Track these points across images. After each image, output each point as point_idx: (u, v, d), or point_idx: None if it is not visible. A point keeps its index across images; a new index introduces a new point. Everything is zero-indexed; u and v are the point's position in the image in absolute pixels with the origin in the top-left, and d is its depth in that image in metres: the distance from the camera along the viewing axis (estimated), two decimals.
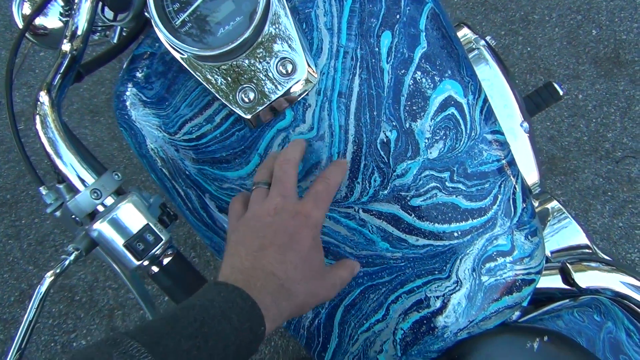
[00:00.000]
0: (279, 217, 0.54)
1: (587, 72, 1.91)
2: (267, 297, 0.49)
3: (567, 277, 0.86)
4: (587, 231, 1.04)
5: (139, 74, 0.66)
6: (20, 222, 1.88)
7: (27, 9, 0.77)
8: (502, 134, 0.65)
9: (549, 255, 1.01)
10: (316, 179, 0.58)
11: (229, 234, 0.58)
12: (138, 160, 0.69)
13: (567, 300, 0.81)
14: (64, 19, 0.75)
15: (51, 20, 0.75)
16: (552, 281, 0.87)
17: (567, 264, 0.87)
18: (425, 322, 0.65)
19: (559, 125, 1.85)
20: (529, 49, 1.97)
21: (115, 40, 0.77)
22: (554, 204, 1.09)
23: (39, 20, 0.74)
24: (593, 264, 0.90)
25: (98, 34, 0.80)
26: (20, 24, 0.75)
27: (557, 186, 1.76)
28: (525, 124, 0.84)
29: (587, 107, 1.86)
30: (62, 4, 0.75)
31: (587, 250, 1.04)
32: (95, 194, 0.56)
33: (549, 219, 1.07)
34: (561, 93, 1.09)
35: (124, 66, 0.68)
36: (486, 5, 2.04)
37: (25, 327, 0.53)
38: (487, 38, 1.00)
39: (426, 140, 0.62)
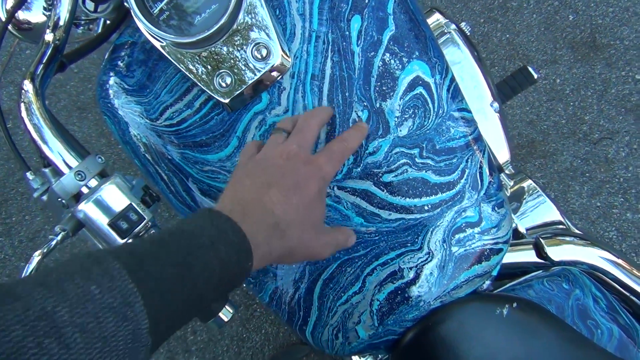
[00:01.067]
0: (290, 162, 0.54)
1: (564, 57, 1.95)
2: (260, 233, 0.48)
3: (540, 251, 0.89)
4: (561, 208, 1.08)
5: (120, 63, 0.68)
6: (10, 219, 1.89)
7: (10, 3, 0.78)
8: (469, 111, 0.68)
9: (524, 232, 1.04)
10: (335, 138, 0.60)
11: (236, 170, 0.59)
12: (127, 155, 0.71)
13: (539, 272, 0.84)
14: (47, 13, 0.77)
15: (35, 14, 0.77)
16: (526, 256, 0.91)
17: (541, 239, 0.90)
18: (399, 292, 0.68)
19: (538, 110, 1.89)
20: (507, 35, 2.00)
21: None
22: (529, 183, 1.13)
23: (23, 15, 0.76)
24: (566, 238, 0.93)
25: (82, 27, 0.82)
26: (4, 17, 0.76)
27: (536, 169, 1.80)
28: (496, 104, 0.87)
29: (565, 91, 1.90)
30: None
31: (560, 226, 1.08)
32: (80, 176, 0.58)
33: (524, 197, 1.11)
34: (535, 77, 1.13)
35: (106, 56, 0.70)
36: None
37: None
38: (462, 24, 1.03)
39: (396, 119, 0.65)
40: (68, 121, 2.01)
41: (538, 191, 1.10)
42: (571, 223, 1.08)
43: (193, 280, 0.42)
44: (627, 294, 0.87)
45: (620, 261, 0.89)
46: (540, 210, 1.08)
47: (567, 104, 1.88)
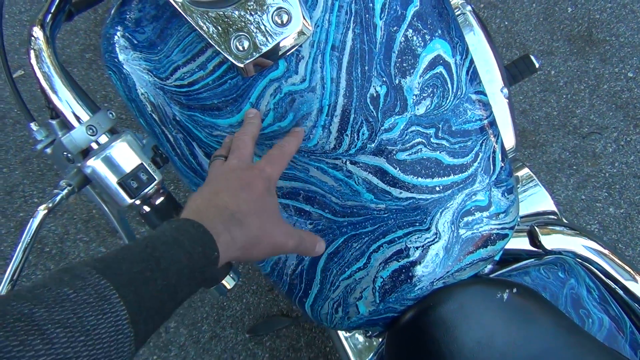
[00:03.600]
0: (233, 172, 0.57)
1: (560, 49, 1.96)
2: (219, 225, 0.50)
3: (534, 240, 0.90)
4: (554, 198, 1.09)
5: (130, 17, 0.65)
6: None
7: None
8: (486, 95, 0.68)
9: (518, 219, 1.06)
10: (273, 146, 0.62)
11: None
12: (132, 113, 0.69)
13: (534, 259, 0.85)
14: None
15: None
16: (520, 243, 0.92)
17: (535, 227, 0.91)
18: (404, 271, 0.68)
19: (531, 100, 1.90)
20: (506, 22, 2.00)
21: None
22: (525, 172, 1.14)
23: None
24: (558, 228, 0.94)
25: None
26: None
27: (525, 158, 1.81)
28: (505, 90, 0.87)
29: (559, 83, 1.92)
30: None
31: (553, 216, 1.09)
32: (91, 131, 0.56)
33: (519, 185, 1.12)
34: (537, 65, 1.13)
35: (114, 8, 0.67)
36: None
37: (17, 260, 0.54)
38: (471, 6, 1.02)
39: (414, 97, 0.64)
40: None
41: (533, 179, 1.11)
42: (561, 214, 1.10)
43: (163, 273, 0.43)
44: (613, 284, 0.89)
45: (608, 253, 0.90)
46: (534, 199, 1.09)
47: (560, 96, 1.90)
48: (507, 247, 0.91)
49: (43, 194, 1.80)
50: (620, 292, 0.88)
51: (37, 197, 1.80)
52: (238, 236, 0.52)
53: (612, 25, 1.98)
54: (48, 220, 1.75)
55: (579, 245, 0.91)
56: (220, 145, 0.66)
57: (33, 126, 0.60)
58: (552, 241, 0.90)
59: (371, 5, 0.63)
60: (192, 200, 0.55)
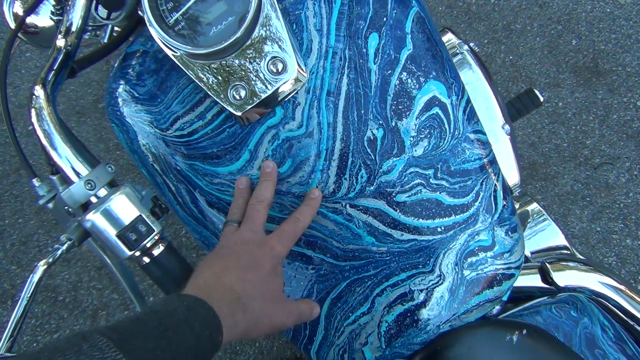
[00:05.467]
0: (245, 246, 0.59)
1: (567, 81, 1.96)
2: (224, 309, 0.51)
3: (546, 276, 0.88)
4: (565, 233, 1.07)
5: (131, 71, 0.67)
6: (3, 222, 1.86)
7: (18, 8, 0.77)
8: (484, 133, 0.67)
9: (529, 255, 1.04)
10: (288, 217, 0.64)
11: (198, 265, 0.62)
12: (124, 161, 0.70)
13: (546, 298, 0.83)
14: (55, 18, 0.76)
15: (42, 19, 0.76)
16: (531, 280, 0.90)
17: (546, 264, 0.89)
18: (409, 314, 0.67)
19: (540, 132, 1.89)
20: (511, 57, 2.01)
21: (105, 40, 0.78)
22: (534, 207, 1.12)
23: (30, 19, 0.75)
24: (571, 264, 0.92)
25: (89, 33, 0.81)
26: (12, 23, 0.75)
27: (537, 191, 1.79)
28: (507, 127, 0.87)
29: (567, 115, 1.91)
30: (53, 2, 0.75)
31: (565, 251, 1.07)
32: (89, 185, 0.57)
33: (529, 220, 1.10)
34: (541, 99, 1.12)
35: (116, 64, 0.69)
36: (470, 14, 2.08)
37: (17, 316, 0.54)
38: (471, 44, 1.03)
39: (411, 139, 0.64)
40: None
41: (543, 214, 1.09)
42: (575, 249, 1.08)
43: (172, 354, 0.45)
44: (630, 322, 0.86)
45: (624, 288, 0.88)
46: (545, 234, 1.07)
47: (569, 128, 1.89)
48: (518, 284, 0.89)
49: (57, 239, 1.82)
50: (639, 328, 0.85)
51: (51, 245, 1.81)
52: (240, 321, 0.53)
53: (618, 56, 1.98)
54: (61, 269, 1.77)
55: (593, 281, 0.88)
56: (221, 192, 0.66)
57: (35, 182, 0.61)
58: (565, 277, 0.88)
59: (365, 50, 0.64)
60: (203, 271, 0.56)
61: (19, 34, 0.75)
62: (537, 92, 1.12)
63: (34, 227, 1.85)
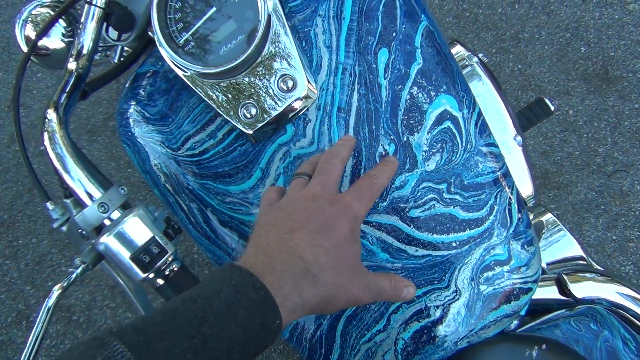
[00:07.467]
0: (315, 203, 0.50)
1: (577, 88, 1.95)
2: (288, 283, 0.44)
3: (563, 288, 0.87)
4: (581, 243, 1.06)
5: (142, 92, 0.68)
6: (17, 242, 1.88)
7: (29, 31, 0.78)
8: (497, 146, 0.67)
9: (545, 266, 1.02)
10: (364, 175, 0.56)
11: (258, 218, 0.54)
12: (135, 179, 0.70)
13: (564, 310, 0.82)
14: (67, 40, 0.77)
15: (54, 41, 0.76)
16: (548, 292, 0.88)
17: (563, 275, 0.88)
18: (425, 331, 0.66)
19: (551, 141, 1.88)
20: (519, 66, 2.00)
21: (115, 60, 0.79)
22: (548, 217, 1.11)
23: (41, 42, 0.76)
24: (588, 275, 0.91)
25: (99, 54, 0.82)
26: (24, 46, 0.76)
27: (550, 200, 1.78)
28: (519, 138, 0.86)
29: (578, 123, 1.90)
30: (64, 25, 0.76)
31: (582, 262, 1.05)
32: (103, 208, 0.57)
33: (543, 231, 1.09)
34: (552, 108, 1.12)
35: (127, 84, 0.70)
36: (477, 24, 2.08)
37: (33, 341, 0.54)
38: (480, 55, 1.02)
39: (423, 153, 0.64)
40: (78, 145, 2.00)
41: (558, 225, 1.08)
42: (591, 258, 1.06)
43: (209, 353, 0.38)
44: None
45: None
46: (561, 245, 1.06)
47: (581, 136, 1.87)
48: (536, 297, 0.88)
49: (71, 262, 1.83)
50: None
51: (65, 265, 1.82)
52: (309, 297, 0.46)
53: (628, 62, 1.97)
54: (75, 289, 1.77)
55: (612, 292, 0.87)
56: (233, 211, 0.66)
57: (49, 205, 0.61)
58: (583, 289, 0.87)
59: (374, 66, 0.64)
60: (267, 230, 0.49)
61: (32, 57, 0.76)
62: (547, 101, 1.11)
63: (48, 247, 1.86)
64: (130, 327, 0.38)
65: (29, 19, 0.76)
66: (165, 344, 0.37)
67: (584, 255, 1.05)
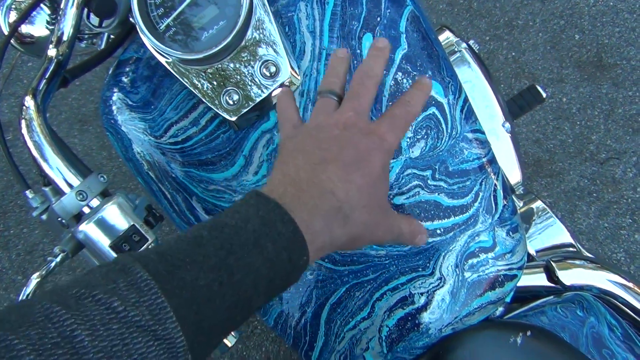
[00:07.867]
0: (348, 132, 0.46)
1: (570, 76, 1.94)
2: (318, 221, 0.42)
3: (551, 275, 0.87)
4: (571, 230, 1.06)
5: (124, 79, 0.67)
6: (8, 232, 1.87)
7: (13, 17, 0.77)
8: (483, 132, 0.66)
9: (534, 254, 1.02)
10: (397, 101, 0.51)
11: (283, 141, 0.51)
12: (127, 169, 0.70)
13: (551, 297, 0.82)
14: (51, 27, 0.76)
15: (38, 28, 0.76)
16: (537, 279, 0.88)
17: (552, 262, 0.88)
18: (410, 318, 0.65)
19: (544, 128, 1.87)
20: (513, 53, 1.99)
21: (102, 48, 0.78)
22: (538, 204, 1.10)
23: (26, 29, 0.75)
24: (577, 262, 0.91)
25: (85, 42, 0.80)
26: (7, 32, 0.75)
27: (543, 188, 1.78)
28: (507, 125, 0.86)
29: (571, 110, 1.89)
30: (48, 12, 0.75)
31: (571, 249, 1.05)
32: (81, 196, 0.56)
33: (533, 218, 1.09)
34: (544, 95, 1.11)
35: (110, 71, 0.69)
36: (471, 12, 2.07)
37: None
38: (470, 42, 1.02)
39: (408, 140, 0.63)
40: (69, 134, 2.00)
41: (548, 212, 1.08)
42: (581, 246, 1.06)
43: (235, 286, 0.37)
44: (639, 319, 0.84)
45: (632, 286, 0.86)
46: (550, 232, 1.06)
47: (574, 123, 1.87)
48: (523, 284, 0.88)
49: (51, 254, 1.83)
50: None
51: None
52: (338, 237, 0.43)
53: (622, 49, 1.96)
54: (63, 273, 1.77)
55: (600, 278, 0.87)
56: (217, 199, 0.65)
57: (28, 193, 0.61)
58: (571, 276, 0.87)
59: (359, 51, 0.63)
60: (295, 157, 0.46)
61: (16, 44, 0.75)
62: (539, 88, 1.11)
63: (39, 237, 1.86)
64: (154, 252, 0.36)
65: (13, 5, 0.75)
66: (190, 274, 0.35)
67: (573, 242, 1.05)
